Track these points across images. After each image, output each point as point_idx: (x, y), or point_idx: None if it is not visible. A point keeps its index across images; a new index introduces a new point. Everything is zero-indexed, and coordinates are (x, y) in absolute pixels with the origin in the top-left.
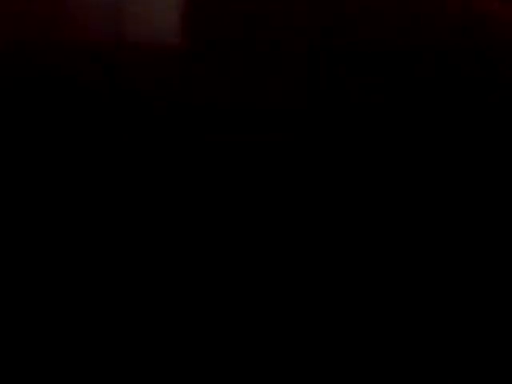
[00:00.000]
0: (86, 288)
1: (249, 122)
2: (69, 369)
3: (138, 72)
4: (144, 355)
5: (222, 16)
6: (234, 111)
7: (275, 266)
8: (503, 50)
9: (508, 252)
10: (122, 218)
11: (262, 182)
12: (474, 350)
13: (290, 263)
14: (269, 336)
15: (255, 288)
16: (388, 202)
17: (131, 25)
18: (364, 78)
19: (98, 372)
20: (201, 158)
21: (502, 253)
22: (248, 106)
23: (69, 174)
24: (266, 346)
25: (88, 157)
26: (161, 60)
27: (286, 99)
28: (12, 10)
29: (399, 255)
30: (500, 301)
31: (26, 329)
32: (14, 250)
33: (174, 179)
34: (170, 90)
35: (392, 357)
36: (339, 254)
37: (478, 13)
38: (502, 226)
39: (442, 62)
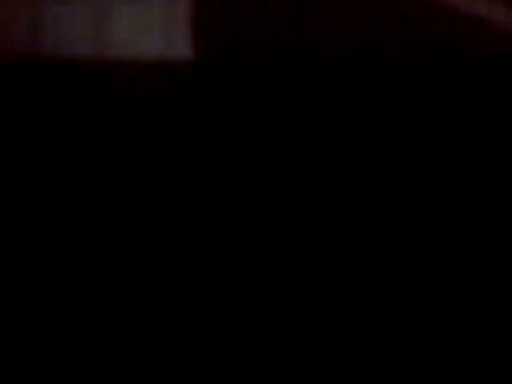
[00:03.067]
0: (86, 289)
1: (246, 122)
2: (69, 369)
3: (143, 85)
4: (144, 355)
5: (225, 27)
6: (233, 110)
7: (274, 266)
8: (507, 55)
9: (508, 252)
10: (122, 218)
11: (262, 184)
12: (474, 349)
13: (289, 262)
14: (269, 336)
15: (256, 288)
16: (388, 202)
17: (131, 36)
18: (358, 86)
19: (98, 372)
20: (202, 161)
21: (502, 253)
22: (243, 104)
23: (70, 178)
24: (266, 346)
25: (89, 161)
26: (166, 72)
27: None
28: None
29: (399, 255)
30: (500, 301)
31: (26, 328)
32: (14, 250)
33: (174, 181)
34: (176, 100)
35: (392, 357)
36: (339, 254)
37: (482, 18)
38: (502, 228)
39: (442, 68)
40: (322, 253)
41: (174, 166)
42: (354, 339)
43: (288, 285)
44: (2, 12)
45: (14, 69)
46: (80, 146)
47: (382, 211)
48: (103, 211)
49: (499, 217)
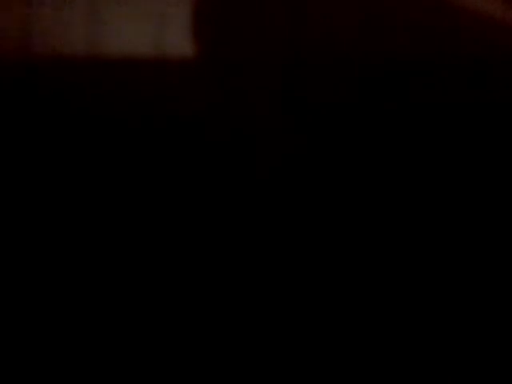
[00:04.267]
0: (86, 289)
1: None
2: (68, 369)
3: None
4: (144, 355)
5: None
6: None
7: (274, 266)
8: (505, 55)
9: (508, 252)
10: (120, 219)
11: (260, 182)
12: (474, 349)
13: (289, 263)
14: (269, 336)
15: (255, 288)
16: (387, 202)
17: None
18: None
19: (97, 372)
20: (199, 161)
21: (502, 253)
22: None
23: (67, 181)
24: (266, 347)
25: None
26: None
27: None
28: None
29: (399, 256)
30: (500, 301)
31: (26, 329)
32: (13, 251)
33: (173, 183)
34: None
35: (392, 357)
36: (338, 254)
37: (478, 15)
38: (502, 228)
39: (440, 68)
40: (321, 252)
41: (168, 168)
42: (354, 339)
43: (287, 286)
44: None
45: (9, 70)
46: (75, 147)
47: (381, 211)
48: (101, 210)
49: (499, 219)
